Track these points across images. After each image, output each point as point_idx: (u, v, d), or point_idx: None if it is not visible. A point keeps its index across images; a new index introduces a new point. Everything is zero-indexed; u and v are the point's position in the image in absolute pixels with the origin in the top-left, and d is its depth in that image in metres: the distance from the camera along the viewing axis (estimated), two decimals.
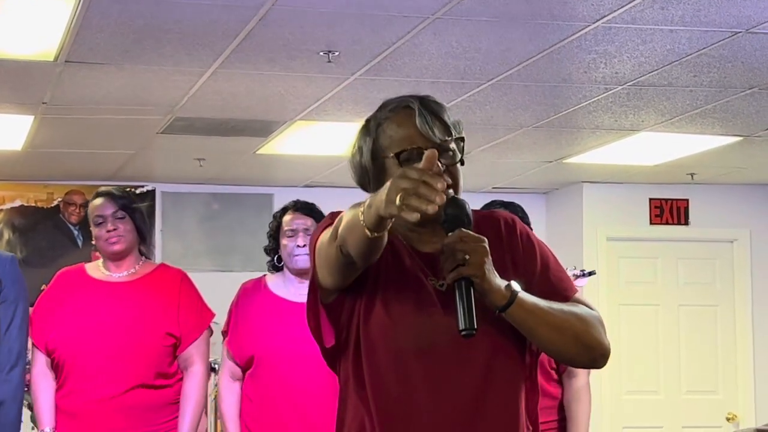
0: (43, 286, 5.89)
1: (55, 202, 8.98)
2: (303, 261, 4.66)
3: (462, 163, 2.64)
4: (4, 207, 8.87)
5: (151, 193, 9.14)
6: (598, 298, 8.80)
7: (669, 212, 9.42)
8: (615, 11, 4.87)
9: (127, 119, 6.91)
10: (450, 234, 2.45)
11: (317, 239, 2.60)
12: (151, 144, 7.66)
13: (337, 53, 5.47)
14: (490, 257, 2.44)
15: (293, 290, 4.74)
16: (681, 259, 9.43)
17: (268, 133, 7.31)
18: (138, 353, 4.51)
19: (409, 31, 5.14)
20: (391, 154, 2.59)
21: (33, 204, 8.97)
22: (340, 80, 5.99)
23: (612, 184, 9.21)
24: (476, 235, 2.45)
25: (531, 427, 2.66)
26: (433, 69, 5.70)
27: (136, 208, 4.66)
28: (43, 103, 6.45)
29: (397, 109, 2.64)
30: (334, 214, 2.59)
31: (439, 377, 2.56)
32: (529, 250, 2.69)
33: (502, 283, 2.48)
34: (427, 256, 2.62)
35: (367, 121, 2.69)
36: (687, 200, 9.43)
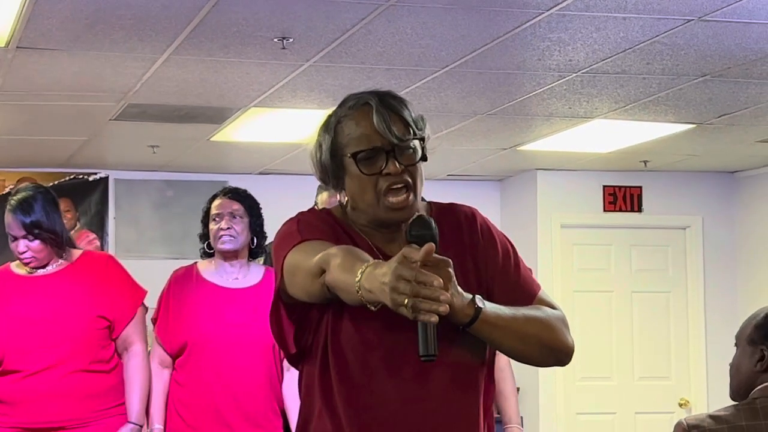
0: None
1: (7, 189, 8.92)
2: (227, 243, 4.79)
3: (424, 159, 2.62)
4: None
5: (104, 180, 9.10)
6: (552, 285, 8.85)
7: (622, 199, 9.47)
8: None
9: (79, 106, 6.87)
10: None
11: (286, 256, 2.56)
12: (104, 131, 7.62)
13: (291, 40, 5.46)
14: (454, 279, 2.38)
15: (225, 276, 4.80)
16: (634, 246, 9.49)
17: (222, 120, 7.29)
18: (69, 339, 4.50)
19: (363, 18, 5.13)
20: (349, 154, 2.58)
21: None
22: (294, 67, 5.97)
23: (566, 171, 9.24)
24: (441, 258, 2.38)
25: (487, 423, 2.67)
26: (387, 56, 5.70)
27: (50, 229, 4.56)
28: None
29: (357, 106, 2.61)
30: (298, 225, 2.60)
31: (408, 388, 2.55)
32: (491, 247, 2.67)
33: (465, 300, 2.43)
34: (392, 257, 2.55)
35: (328, 117, 2.66)
36: (640, 187, 9.48)
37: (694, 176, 9.49)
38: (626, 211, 9.47)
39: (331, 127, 2.63)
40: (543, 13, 5.08)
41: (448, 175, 9.30)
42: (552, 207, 9.30)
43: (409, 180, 2.56)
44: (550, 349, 2.60)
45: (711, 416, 3.13)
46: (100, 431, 4.52)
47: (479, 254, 2.65)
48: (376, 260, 2.36)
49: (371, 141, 2.56)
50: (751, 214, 9.43)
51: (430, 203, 2.74)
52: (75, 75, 6.12)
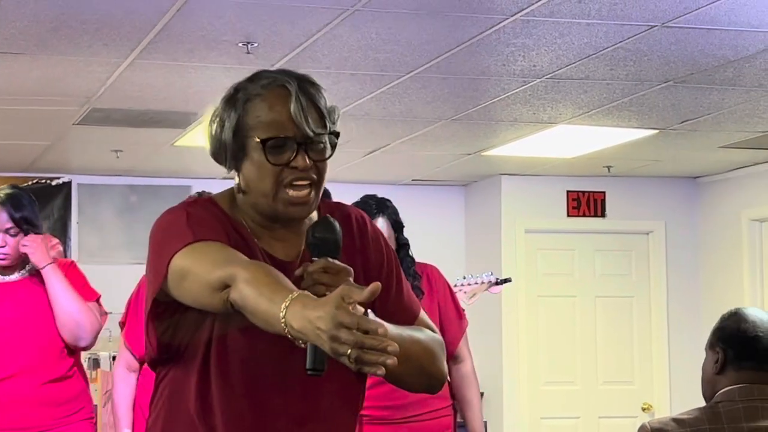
0: None
1: None
2: None
3: (329, 157, 2.43)
4: None
5: (67, 185, 9.06)
6: (517, 290, 8.86)
7: (586, 204, 9.50)
8: (533, 4, 4.89)
9: (42, 110, 6.83)
10: (314, 260, 2.29)
11: (174, 254, 2.30)
12: (68, 135, 7.59)
13: (256, 44, 5.45)
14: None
15: None
16: (598, 251, 9.52)
17: (186, 124, 7.27)
18: (31, 348, 4.49)
19: (328, 23, 5.13)
20: (257, 139, 2.35)
21: None
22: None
23: (530, 176, 9.27)
24: (343, 266, 2.27)
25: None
26: (352, 61, 5.70)
27: (33, 223, 4.58)
28: None
29: (271, 86, 2.38)
30: (188, 219, 2.36)
31: (294, 402, 2.40)
32: (380, 258, 2.52)
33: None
34: (282, 264, 2.38)
35: (235, 90, 2.42)
36: (604, 192, 9.52)
37: (656, 181, 9.54)
38: (590, 216, 9.51)
39: (239, 104, 2.38)
40: (507, 18, 5.09)
41: (413, 180, 9.31)
42: (516, 212, 9.32)
43: (315, 177, 2.38)
44: (428, 374, 2.44)
45: (674, 420, 3.14)
46: None
47: (369, 266, 2.49)
48: (300, 291, 2.10)
49: (283, 129, 2.34)
50: (713, 219, 9.49)
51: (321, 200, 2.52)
52: (38, 79, 6.09)
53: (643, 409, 9.35)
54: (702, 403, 3.24)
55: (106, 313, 4.74)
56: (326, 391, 2.41)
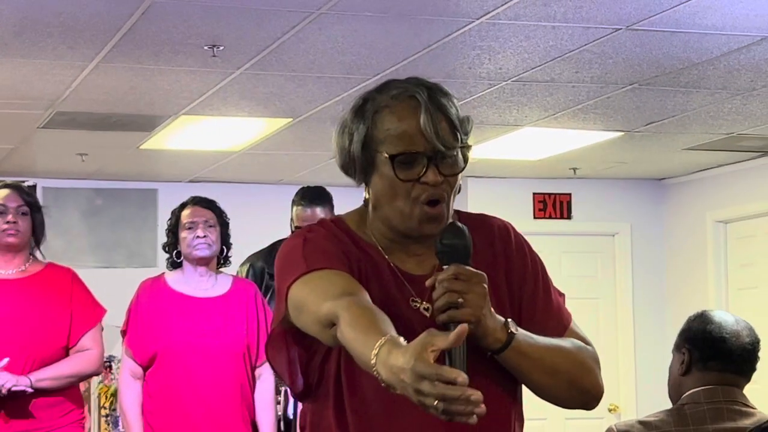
0: None
1: None
2: (204, 250, 4.81)
3: (462, 170, 2.31)
4: None
5: (32, 189, 8.99)
6: None
7: (552, 206, 9.53)
8: (498, 7, 4.90)
9: (6, 113, 6.80)
10: (445, 267, 2.17)
11: (290, 286, 2.24)
12: (32, 138, 7.55)
13: (221, 47, 5.44)
14: (488, 298, 2.16)
15: (194, 285, 4.82)
16: (564, 252, 9.54)
17: (152, 127, 7.25)
18: (23, 350, 4.45)
19: (294, 26, 5.12)
20: (386, 154, 2.24)
21: None
22: (225, 74, 5.95)
23: (496, 179, 9.29)
24: (475, 271, 2.15)
25: None
26: (319, 64, 5.69)
27: (38, 209, 4.65)
28: None
29: (401, 97, 2.26)
30: (303, 248, 2.27)
31: (433, 423, 2.13)
32: (524, 267, 2.41)
33: (498, 323, 2.20)
34: (416, 279, 2.30)
35: (364, 100, 2.31)
36: (569, 194, 9.55)
37: (622, 183, 9.58)
38: (556, 218, 9.53)
39: (367, 115, 2.28)
40: (473, 21, 5.10)
41: None
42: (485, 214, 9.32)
43: (447, 192, 2.28)
44: (580, 389, 2.35)
45: (641, 422, 3.15)
46: None
47: (512, 272, 2.38)
48: (389, 337, 1.97)
49: (413, 143, 2.23)
50: (678, 220, 9.53)
51: (458, 212, 2.43)
52: (2, 82, 6.06)
53: (610, 410, 9.38)
54: (668, 405, 3.25)
55: (102, 328, 4.74)
56: None
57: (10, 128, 7.25)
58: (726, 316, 3.26)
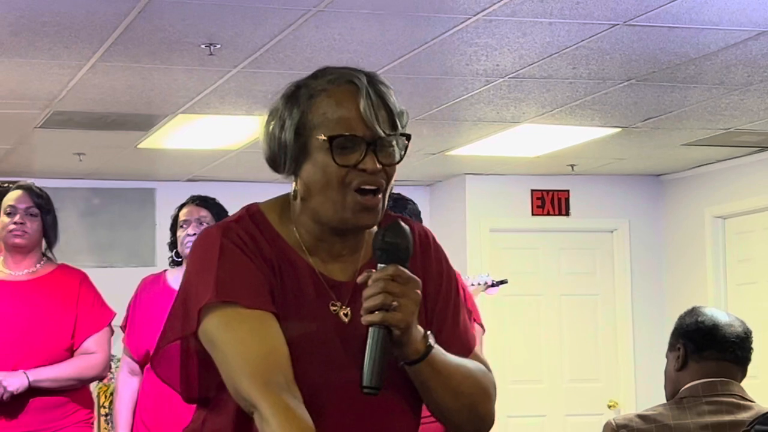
0: None
1: None
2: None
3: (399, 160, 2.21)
4: None
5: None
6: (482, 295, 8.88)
7: (550, 203, 9.53)
8: (495, 4, 4.91)
9: (3, 113, 6.80)
10: (381, 267, 2.08)
11: (202, 307, 2.15)
12: (29, 138, 7.55)
13: (218, 46, 5.44)
14: (419, 306, 2.08)
15: None
16: (562, 249, 9.55)
17: (149, 126, 7.25)
18: (31, 349, 4.46)
19: (290, 24, 5.13)
20: (323, 137, 2.12)
21: None
22: (222, 73, 5.96)
23: (494, 175, 9.29)
24: (413, 276, 2.07)
25: None
26: (315, 61, 5.69)
27: (50, 211, 4.64)
28: None
29: (339, 81, 2.15)
30: (219, 260, 2.14)
31: (351, 423, 2.16)
32: (440, 280, 2.28)
33: (419, 334, 2.11)
34: (335, 283, 2.21)
35: (297, 86, 2.18)
36: (568, 191, 9.55)
37: (620, 179, 9.58)
38: (554, 214, 9.53)
39: (302, 100, 2.15)
40: (470, 18, 5.10)
41: None
42: (481, 212, 9.34)
43: (383, 182, 2.16)
44: (477, 415, 2.25)
45: (639, 416, 3.16)
46: None
47: (427, 283, 2.22)
48: None
49: (352, 128, 2.11)
50: (676, 216, 9.54)
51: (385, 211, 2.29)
52: None
53: (609, 407, 9.38)
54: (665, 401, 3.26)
55: (113, 330, 4.73)
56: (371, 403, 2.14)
57: (7, 128, 7.25)
58: (716, 310, 3.29)
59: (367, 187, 2.14)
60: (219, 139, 7.56)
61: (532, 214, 9.49)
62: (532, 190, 9.48)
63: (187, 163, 8.54)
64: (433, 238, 2.31)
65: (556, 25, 5.24)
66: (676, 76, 6.20)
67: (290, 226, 2.22)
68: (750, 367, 3.29)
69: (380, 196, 2.16)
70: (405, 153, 2.21)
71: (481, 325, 4.92)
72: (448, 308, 2.27)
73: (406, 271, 2.07)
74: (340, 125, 2.12)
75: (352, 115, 2.12)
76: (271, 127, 2.19)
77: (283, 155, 2.17)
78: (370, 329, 2.05)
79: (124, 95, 6.41)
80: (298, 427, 2.00)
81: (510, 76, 6.12)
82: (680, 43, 5.57)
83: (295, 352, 2.10)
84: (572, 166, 9.01)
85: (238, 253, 2.14)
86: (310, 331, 2.15)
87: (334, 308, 2.18)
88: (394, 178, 2.20)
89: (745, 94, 6.63)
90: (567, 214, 9.55)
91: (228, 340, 2.09)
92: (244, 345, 2.08)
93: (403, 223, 2.14)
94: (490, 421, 2.28)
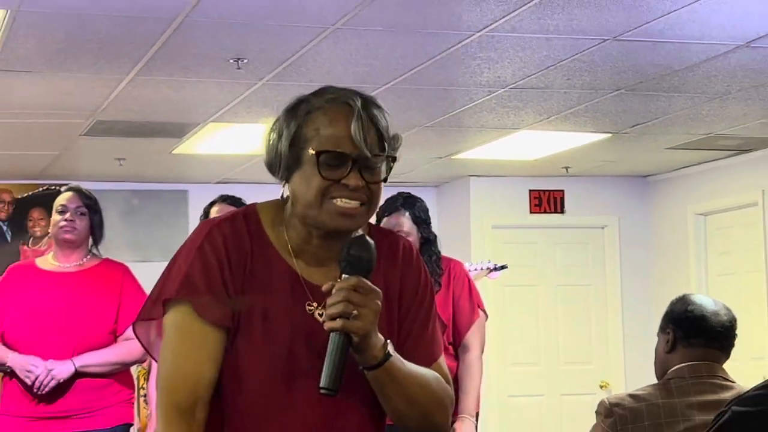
0: None
1: None
2: None
3: (384, 181, 2.18)
4: None
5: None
6: (485, 280, 8.87)
7: (547, 202, 9.51)
8: (497, 21, 4.90)
9: (51, 123, 6.82)
10: (345, 277, 2.05)
11: (166, 300, 2.18)
12: (75, 145, 7.56)
13: (245, 60, 5.44)
14: (378, 316, 2.04)
15: None
16: (558, 244, 9.54)
17: (183, 134, 7.26)
18: (78, 334, 4.46)
19: (311, 40, 5.13)
20: (312, 151, 2.10)
21: None
22: (248, 85, 5.96)
23: (496, 177, 9.28)
24: (374, 287, 2.04)
25: None
26: (334, 74, 5.69)
27: (97, 211, 4.64)
28: None
29: (336, 101, 2.13)
30: (199, 253, 2.16)
31: (307, 420, 2.14)
32: (415, 292, 2.24)
33: (379, 341, 2.07)
34: (314, 285, 2.16)
35: (299, 101, 2.17)
36: (563, 191, 9.53)
37: (610, 180, 9.56)
38: (550, 212, 9.52)
39: (300, 114, 2.14)
40: (474, 34, 5.10)
41: (390, 182, 9.29)
42: (484, 210, 9.33)
43: (366, 198, 2.13)
44: (430, 424, 2.19)
45: (630, 395, 3.16)
46: (102, 420, 4.47)
47: (405, 295, 2.23)
48: None
49: (340, 145, 2.09)
50: (662, 214, 9.52)
51: (370, 225, 2.26)
52: (47, 94, 6.07)
53: (601, 387, 9.37)
54: (654, 380, 3.26)
55: None
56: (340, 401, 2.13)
57: (55, 136, 7.27)
58: (705, 298, 3.27)
59: (347, 203, 2.11)
60: (246, 145, 7.57)
61: (530, 212, 9.48)
62: (530, 190, 9.46)
63: (216, 166, 8.54)
64: (417, 253, 2.29)
65: (552, 40, 5.23)
66: (661, 86, 6.19)
67: (281, 227, 2.21)
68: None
69: (361, 206, 2.13)
70: (389, 174, 2.18)
71: (484, 312, 4.91)
72: (417, 318, 2.23)
73: (368, 282, 2.04)
74: (330, 142, 2.10)
75: (342, 134, 2.10)
76: (271, 136, 2.19)
77: (278, 163, 2.17)
78: (331, 335, 2.02)
79: (160, 106, 6.42)
80: None
81: (510, 86, 6.11)
82: (665, 56, 5.56)
83: (262, 344, 2.12)
84: (566, 168, 9.00)
85: (212, 259, 2.14)
86: (280, 326, 2.13)
87: (310, 308, 2.14)
88: (379, 196, 2.17)
89: (724, 102, 6.62)
90: (562, 211, 9.54)
91: (171, 348, 2.13)
92: (180, 359, 2.12)
93: (368, 238, 2.10)
94: (442, 430, 2.22)
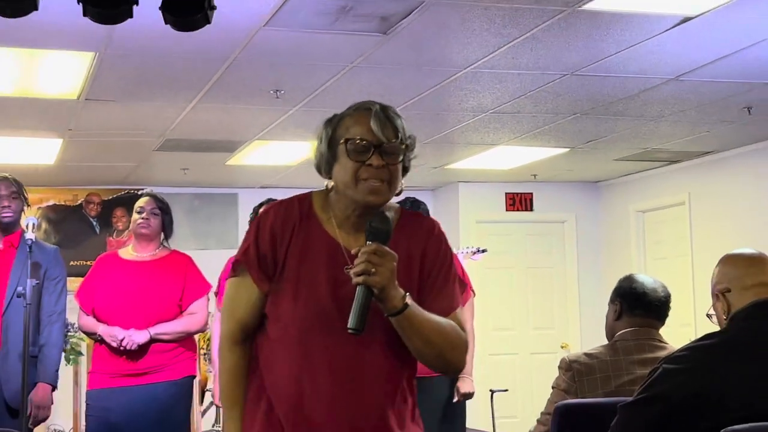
0: (72, 262, 5.63)
1: (79, 202, 8.83)
2: None
3: (406, 170, 2.24)
4: (42, 206, 8.70)
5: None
6: (471, 262, 8.86)
7: (519, 202, 9.50)
8: (479, 61, 4.90)
9: (130, 140, 6.82)
10: (368, 243, 2.08)
11: (236, 263, 2.26)
12: (149, 158, 7.57)
13: (282, 92, 5.44)
14: (394, 274, 2.06)
15: None
16: (528, 235, 9.52)
17: (233, 149, 7.26)
18: (152, 308, 4.45)
19: (334, 75, 5.13)
20: (342, 140, 2.18)
21: (62, 203, 8.81)
22: (284, 111, 5.96)
23: (479, 182, 9.27)
24: (390, 251, 2.07)
25: (409, 398, 2.25)
26: (352, 102, 5.66)
27: (168, 213, 4.63)
28: (69, 129, 6.35)
29: (359, 109, 2.23)
30: (255, 229, 2.25)
31: (335, 353, 2.15)
32: (435, 257, 2.25)
33: (399, 294, 2.08)
34: (347, 250, 2.20)
35: (333, 115, 2.27)
36: (532, 193, 9.52)
37: (569, 185, 9.55)
38: (522, 210, 9.50)
39: (333, 122, 2.24)
40: (461, 71, 5.09)
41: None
42: (470, 208, 9.32)
43: (388, 177, 2.17)
44: (444, 360, 2.18)
45: (585, 353, 3.15)
46: (171, 373, 4.47)
47: (428, 262, 2.24)
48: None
49: (363, 135, 2.17)
50: (609, 211, 9.50)
51: (401, 209, 2.32)
52: (128, 119, 6.08)
53: (562, 347, 9.36)
54: (605, 342, 3.25)
55: (209, 299, 4.68)
56: (368, 341, 2.14)
57: (133, 151, 7.28)
58: (647, 278, 3.26)
59: (374, 182, 2.16)
60: (282, 158, 7.57)
61: (506, 210, 9.46)
62: (506, 193, 9.45)
63: (260, 175, 8.55)
64: (439, 229, 2.30)
65: (522, 75, 5.22)
66: (609, 111, 6.18)
67: (328, 209, 2.25)
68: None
69: (384, 185, 2.17)
70: (409, 158, 2.24)
71: (472, 290, 4.90)
72: (438, 277, 2.24)
73: (385, 248, 2.07)
74: (355, 134, 2.18)
75: (365, 129, 2.17)
76: (316, 144, 2.26)
77: (323, 162, 2.23)
78: (357, 287, 2.06)
79: (216, 127, 6.43)
80: (227, 366, 2.26)
81: (490, 111, 6.11)
82: (612, 87, 5.55)
83: (306, 295, 2.17)
84: (534, 175, 8.99)
85: (264, 233, 2.23)
86: (320, 282, 2.18)
87: (348, 269, 2.15)
88: (398, 176, 2.20)
89: (658, 123, 6.61)
90: (531, 210, 9.52)
91: (229, 295, 2.28)
92: (232, 304, 2.27)
93: (387, 214, 2.16)
94: (456, 366, 2.20)
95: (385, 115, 2.20)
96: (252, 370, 2.26)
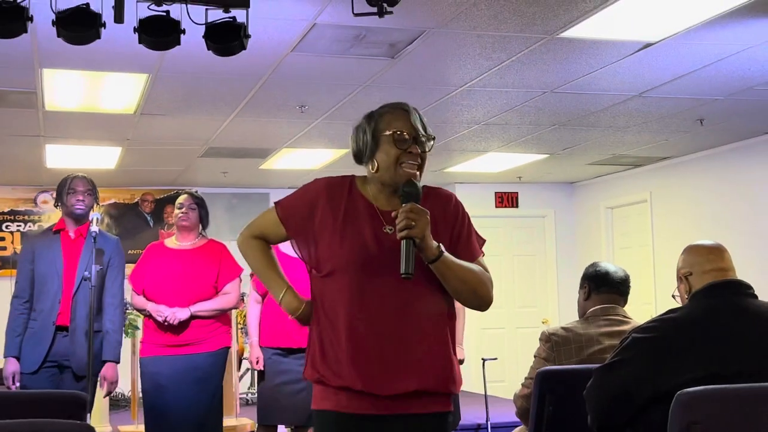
0: (130, 251, 5.59)
1: (135, 200, 8.86)
2: None
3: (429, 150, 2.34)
4: (104, 204, 8.75)
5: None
6: None
7: (507, 200, 9.49)
8: (473, 80, 4.90)
9: (178, 148, 6.84)
10: (405, 204, 2.17)
11: (281, 201, 2.40)
12: (194, 163, 7.59)
13: (306, 107, 5.46)
14: (429, 226, 2.15)
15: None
16: (514, 228, 9.51)
17: (266, 155, 7.28)
18: (193, 291, 4.45)
19: (350, 93, 5.13)
20: (389, 132, 2.26)
21: (122, 201, 8.84)
22: (309, 123, 5.97)
23: (473, 183, 9.26)
24: (423, 208, 2.17)
25: (451, 339, 2.31)
26: None
27: (204, 208, 4.62)
28: (127, 139, 6.37)
29: (394, 108, 2.31)
30: (307, 187, 2.37)
31: (382, 300, 2.21)
32: (456, 218, 2.35)
33: (434, 244, 2.17)
34: (386, 214, 2.28)
35: (371, 113, 2.34)
36: (517, 193, 9.51)
37: (549, 185, 9.53)
38: (509, 207, 9.50)
39: (373, 119, 2.31)
40: (457, 89, 5.09)
41: None
42: (464, 205, 9.28)
43: (420, 163, 2.28)
44: (477, 296, 2.28)
45: (563, 327, 3.15)
46: (209, 345, 4.45)
47: (448, 220, 2.33)
48: (287, 288, 2.33)
49: (405, 129, 2.26)
50: (583, 207, 9.48)
51: (425, 185, 2.38)
52: (176, 129, 6.10)
53: (543, 322, 9.34)
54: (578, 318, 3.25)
55: (241, 280, 4.63)
56: (408, 285, 2.19)
57: (180, 158, 7.30)
58: (607, 263, 3.27)
59: (411, 161, 2.25)
60: (308, 163, 7.57)
61: (495, 207, 9.46)
62: (496, 192, 9.44)
63: (288, 177, 8.56)
64: (455, 197, 2.39)
65: (509, 92, 5.22)
66: (582, 123, 6.18)
67: (366, 186, 2.33)
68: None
69: (417, 168, 2.27)
70: (431, 148, 2.30)
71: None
72: (462, 233, 2.33)
73: (418, 206, 2.16)
74: (398, 126, 2.26)
75: (406, 124, 2.27)
76: (357, 135, 2.32)
77: (365, 150, 2.29)
78: (402, 242, 2.13)
79: (251, 137, 6.44)
80: (249, 249, 2.39)
81: (482, 123, 6.11)
82: (585, 102, 5.54)
83: (353, 248, 2.22)
84: (519, 177, 8.97)
85: (309, 193, 2.34)
86: (365, 239, 2.24)
87: (386, 229, 2.24)
88: (425, 162, 2.29)
89: (625, 133, 6.60)
90: (517, 206, 9.51)
91: (259, 217, 2.41)
92: (260, 220, 2.40)
93: (415, 180, 2.24)
94: (487, 301, 2.31)
95: (418, 114, 2.30)
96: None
